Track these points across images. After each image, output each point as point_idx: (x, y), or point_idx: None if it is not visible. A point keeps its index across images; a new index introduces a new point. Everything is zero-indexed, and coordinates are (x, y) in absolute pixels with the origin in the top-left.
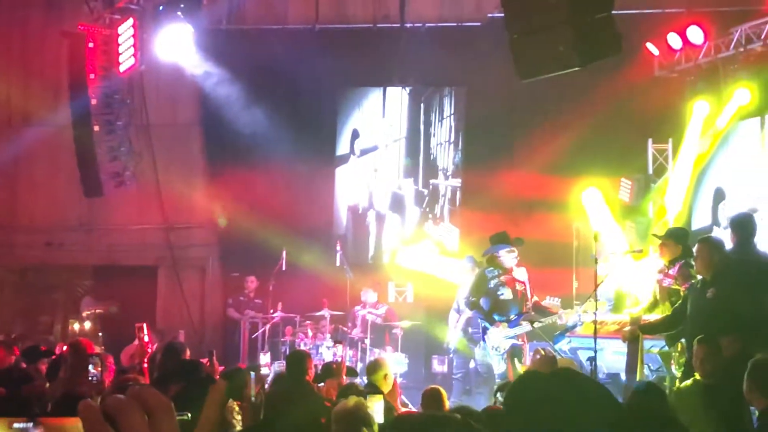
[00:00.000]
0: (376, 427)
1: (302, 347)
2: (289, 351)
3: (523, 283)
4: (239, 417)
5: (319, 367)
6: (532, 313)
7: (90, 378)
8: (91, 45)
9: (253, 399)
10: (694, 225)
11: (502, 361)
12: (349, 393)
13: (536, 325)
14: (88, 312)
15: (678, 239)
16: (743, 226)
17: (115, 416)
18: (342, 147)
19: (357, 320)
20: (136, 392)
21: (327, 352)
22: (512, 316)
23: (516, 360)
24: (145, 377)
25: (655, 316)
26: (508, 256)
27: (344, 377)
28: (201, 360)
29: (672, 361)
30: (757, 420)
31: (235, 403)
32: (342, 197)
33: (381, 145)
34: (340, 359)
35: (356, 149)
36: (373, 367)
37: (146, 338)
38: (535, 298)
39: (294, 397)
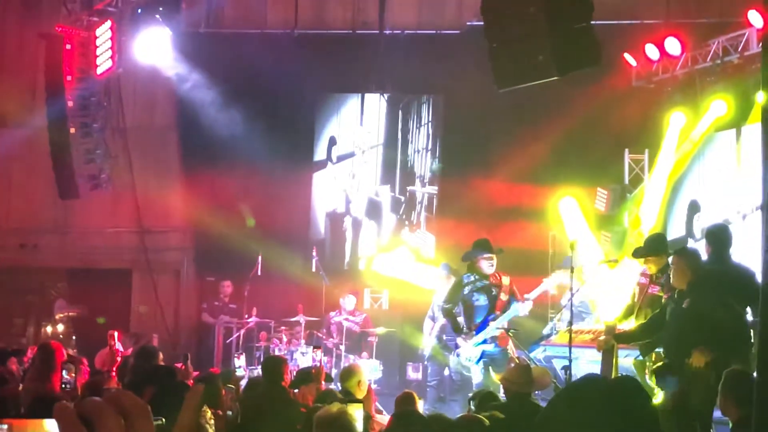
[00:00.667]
0: None
1: (277, 353)
2: (264, 356)
3: (500, 287)
4: (212, 421)
5: (294, 373)
6: (498, 312)
7: (63, 385)
8: (68, 47)
9: (230, 412)
10: (669, 235)
11: (478, 371)
12: (327, 399)
13: (511, 332)
14: (62, 315)
15: (664, 248)
16: (718, 237)
17: (91, 419)
18: (319, 152)
19: (332, 326)
20: (113, 395)
21: (302, 358)
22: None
23: (490, 368)
24: (114, 384)
25: (632, 323)
26: (485, 263)
27: (323, 383)
28: (175, 364)
29: (646, 371)
30: (731, 430)
31: (208, 409)
32: (319, 203)
33: (358, 152)
34: (318, 365)
35: (333, 155)
36: (347, 374)
37: (117, 345)
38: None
39: (270, 402)
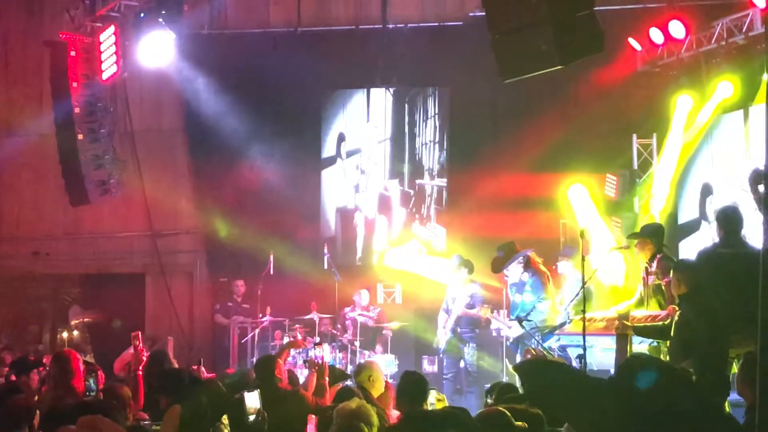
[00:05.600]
0: (375, 430)
1: (292, 351)
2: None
3: None
4: (226, 422)
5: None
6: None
7: (87, 393)
8: (72, 53)
9: (252, 417)
10: (681, 219)
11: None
12: (345, 397)
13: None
14: (77, 321)
15: (649, 235)
16: (729, 219)
17: None
18: (327, 149)
19: (347, 322)
20: (88, 421)
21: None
22: None
23: (506, 360)
24: (139, 385)
25: (642, 311)
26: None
27: (327, 378)
28: (192, 366)
29: (660, 357)
30: (745, 413)
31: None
32: (329, 199)
33: (366, 147)
34: (321, 361)
35: (342, 152)
36: (359, 369)
37: (141, 346)
38: None
39: (276, 399)
